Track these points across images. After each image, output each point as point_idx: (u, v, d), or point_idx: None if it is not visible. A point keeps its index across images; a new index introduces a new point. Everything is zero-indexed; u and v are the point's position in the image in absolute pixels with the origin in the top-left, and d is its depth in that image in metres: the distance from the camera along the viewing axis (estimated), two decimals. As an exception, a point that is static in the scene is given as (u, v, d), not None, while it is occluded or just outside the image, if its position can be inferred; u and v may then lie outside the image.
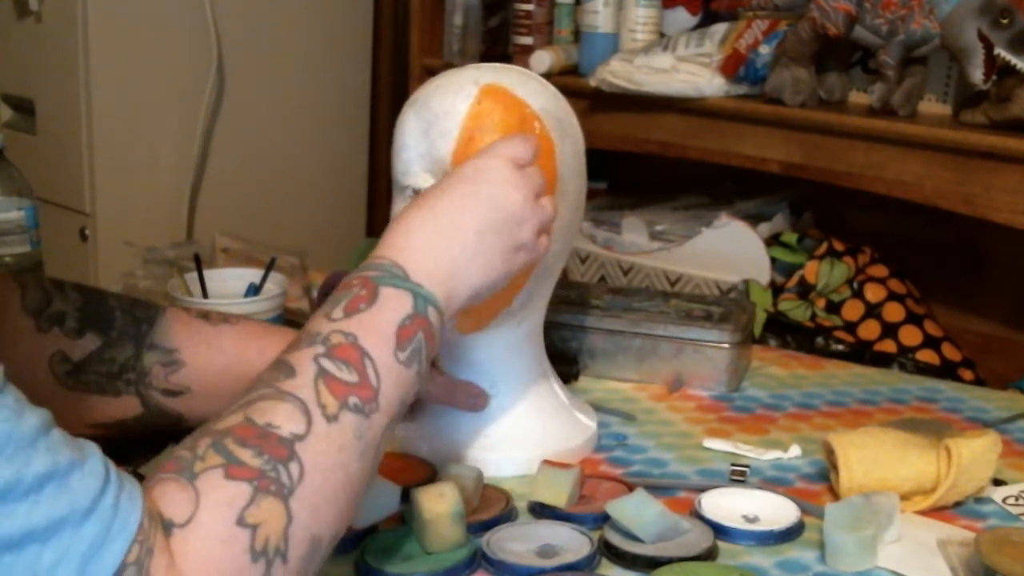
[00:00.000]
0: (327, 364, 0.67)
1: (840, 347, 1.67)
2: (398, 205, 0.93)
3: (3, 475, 0.53)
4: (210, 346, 0.91)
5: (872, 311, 1.71)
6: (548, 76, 1.39)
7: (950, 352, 1.68)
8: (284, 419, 0.63)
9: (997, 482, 0.96)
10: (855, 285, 1.73)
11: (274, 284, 1.13)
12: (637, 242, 1.88)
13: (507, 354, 0.98)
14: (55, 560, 0.54)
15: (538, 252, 0.84)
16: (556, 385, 1.02)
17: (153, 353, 0.89)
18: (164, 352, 0.89)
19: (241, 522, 0.59)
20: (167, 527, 0.58)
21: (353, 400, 0.67)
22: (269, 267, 1.14)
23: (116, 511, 0.56)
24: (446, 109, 0.91)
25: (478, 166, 0.81)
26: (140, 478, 0.90)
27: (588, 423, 1.03)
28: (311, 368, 0.66)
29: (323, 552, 0.64)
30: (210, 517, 0.59)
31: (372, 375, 0.68)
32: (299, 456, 0.63)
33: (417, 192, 0.92)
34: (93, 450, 0.58)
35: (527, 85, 0.93)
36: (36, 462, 0.54)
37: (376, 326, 0.70)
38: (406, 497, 0.85)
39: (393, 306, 0.71)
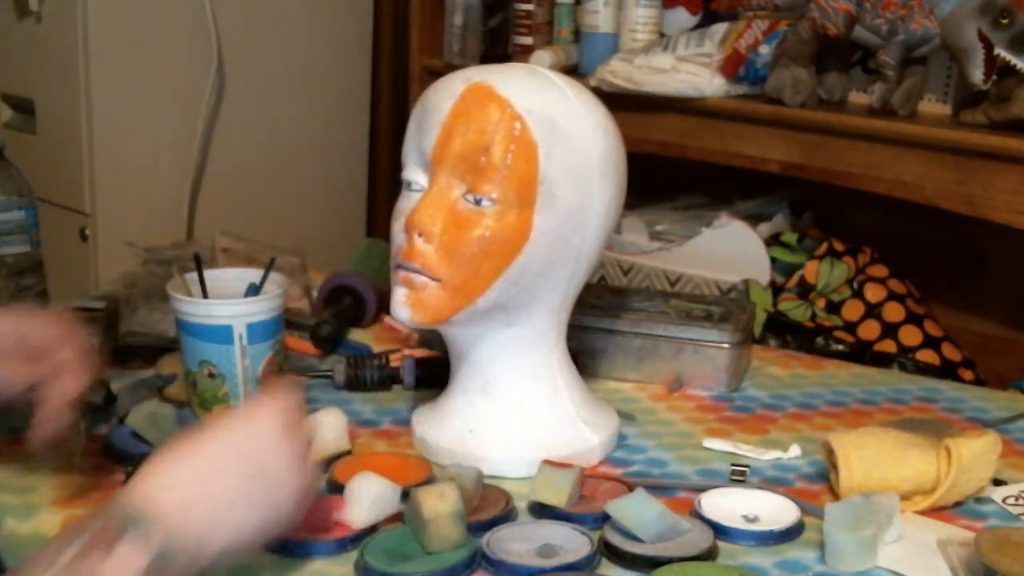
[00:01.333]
0: None
1: (840, 347, 1.67)
2: (402, 196, 0.95)
3: None
4: None
5: (872, 311, 1.71)
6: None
7: (950, 352, 1.68)
8: None
9: (997, 482, 0.96)
10: (855, 285, 1.72)
11: (274, 284, 1.13)
12: (637, 242, 1.88)
13: (501, 355, 0.97)
14: None
15: (297, 515, 0.78)
16: (566, 394, 1.00)
17: None
18: None
19: None
20: None
21: None
22: (269, 267, 1.14)
23: None
24: (435, 106, 0.93)
25: (248, 432, 0.77)
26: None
27: (590, 436, 1.00)
28: None
29: None
30: None
31: None
32: None
33: (411, 185, 0.94)
34: None
35: (523, 85, 0.92)
36: None
37: None
38: (406, 497, 0.85)
39: (127, 563, 0.65)
